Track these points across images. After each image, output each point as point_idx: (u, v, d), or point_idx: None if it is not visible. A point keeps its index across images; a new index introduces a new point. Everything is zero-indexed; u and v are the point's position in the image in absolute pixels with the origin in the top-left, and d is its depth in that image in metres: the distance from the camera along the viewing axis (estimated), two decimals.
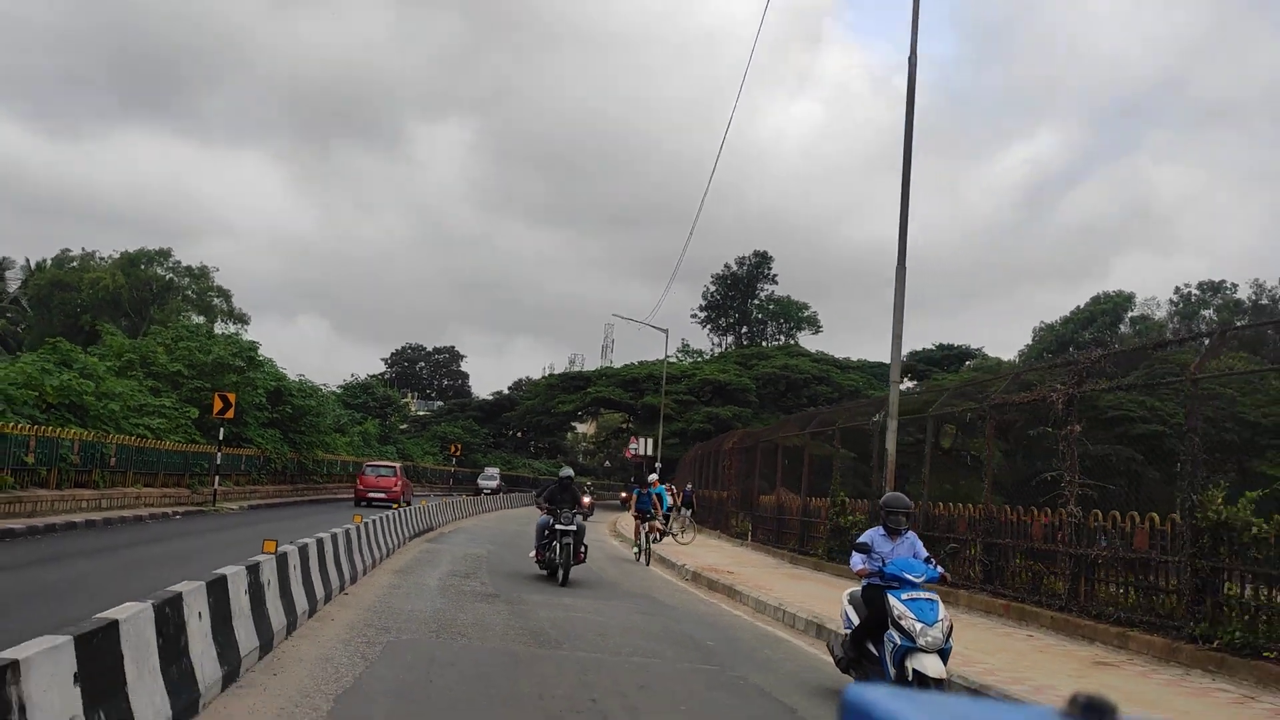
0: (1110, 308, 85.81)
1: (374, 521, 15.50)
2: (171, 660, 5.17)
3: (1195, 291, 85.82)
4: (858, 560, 7.68)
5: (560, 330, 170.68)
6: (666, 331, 46.57)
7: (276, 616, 7.87)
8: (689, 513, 32.42)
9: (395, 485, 34.09)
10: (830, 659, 8.63)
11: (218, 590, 6.38)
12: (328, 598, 10.39)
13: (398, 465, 37.77)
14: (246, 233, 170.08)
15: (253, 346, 33.81)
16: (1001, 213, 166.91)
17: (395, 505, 27.26)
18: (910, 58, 14.72)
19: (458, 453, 57.39)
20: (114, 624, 4.46)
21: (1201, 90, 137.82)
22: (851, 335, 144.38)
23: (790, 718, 7.21)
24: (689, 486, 35.71)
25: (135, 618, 4.72)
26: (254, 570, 7.38)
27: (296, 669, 7.24)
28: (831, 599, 14.30)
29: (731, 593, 15.17)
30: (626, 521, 29.08)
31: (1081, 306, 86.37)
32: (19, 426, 18.40)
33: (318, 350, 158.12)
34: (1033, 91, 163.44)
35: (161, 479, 25.26)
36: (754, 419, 51.00)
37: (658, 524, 21.53)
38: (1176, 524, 9.89)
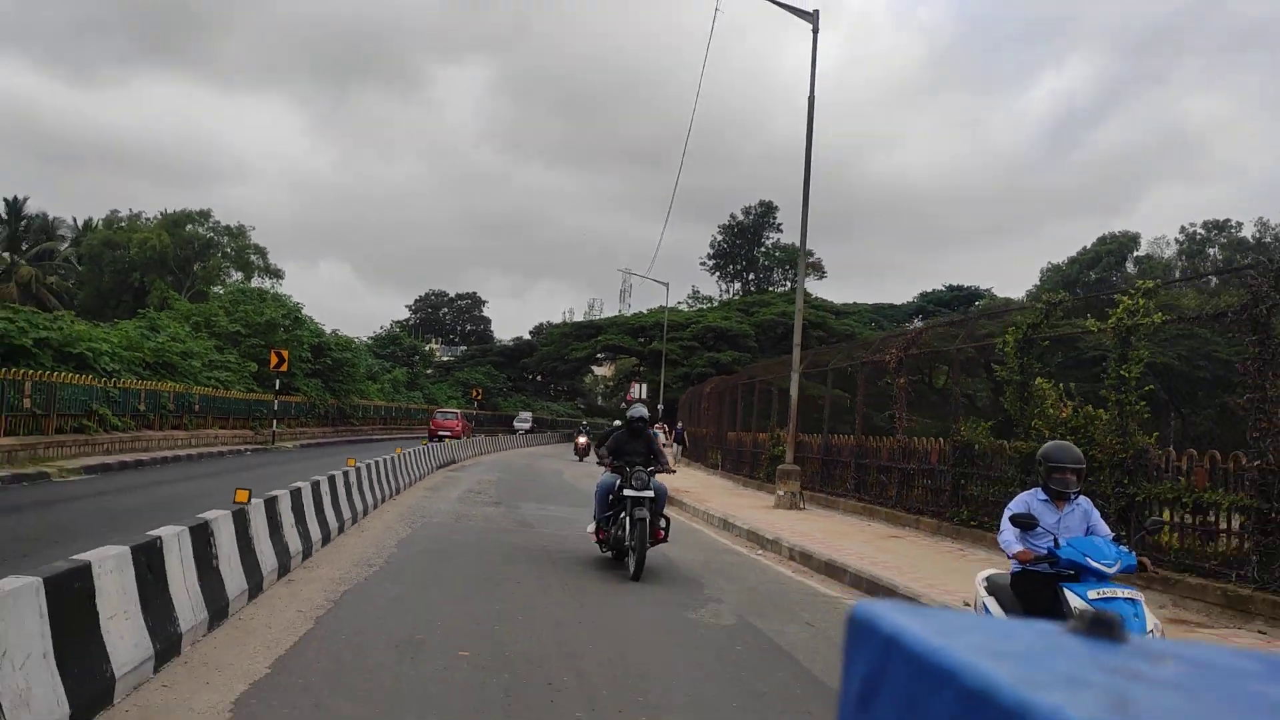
0: (1115, 248, 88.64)
1: (410, 452, 20.92)
2: (278, 532, 10.15)
3: (1200, 230, 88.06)
4: (1012, 538, 5.59)
5: (581, 272, 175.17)
6: (667, 285, 51.95)
7: (358, 505, 13.21)
8: (679, 448, 37.87)
9: (458, 426, 46.30)
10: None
11: (330, 482, 11.66)
12: (382, 500, 15.75)
13: (459, 412, 47.82)
14: (267, 177, 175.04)
15: (297, 308, 39.25)
16: (1027, 146, 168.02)
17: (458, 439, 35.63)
18: (809, 97, 19.44)
19: (479, 397, 63.11)
20: (244, 510, 9.34)
21: (1234, 13, 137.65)
22: (871, 273, 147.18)
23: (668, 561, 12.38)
24: (680, 425, 41.18)
25: (257, 506, 9.72)
26: (334, 479, 12.63)
27: (372, 529, 12.58)
28: (754, 506, 19.52)
29: (680, 506, 20.45)
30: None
31: (1088, 247, 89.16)
32: (134, 382, 23.91)
33: (341, 295, 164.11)
34: (1060, 20, 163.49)
35: (232, 422, 30.90)
36: (752, 363, 56.02)
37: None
38: (944, 447, 14.99)
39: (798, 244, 74.18)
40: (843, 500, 18.88)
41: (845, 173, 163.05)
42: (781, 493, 19.12)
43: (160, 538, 6.02)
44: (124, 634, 5.17)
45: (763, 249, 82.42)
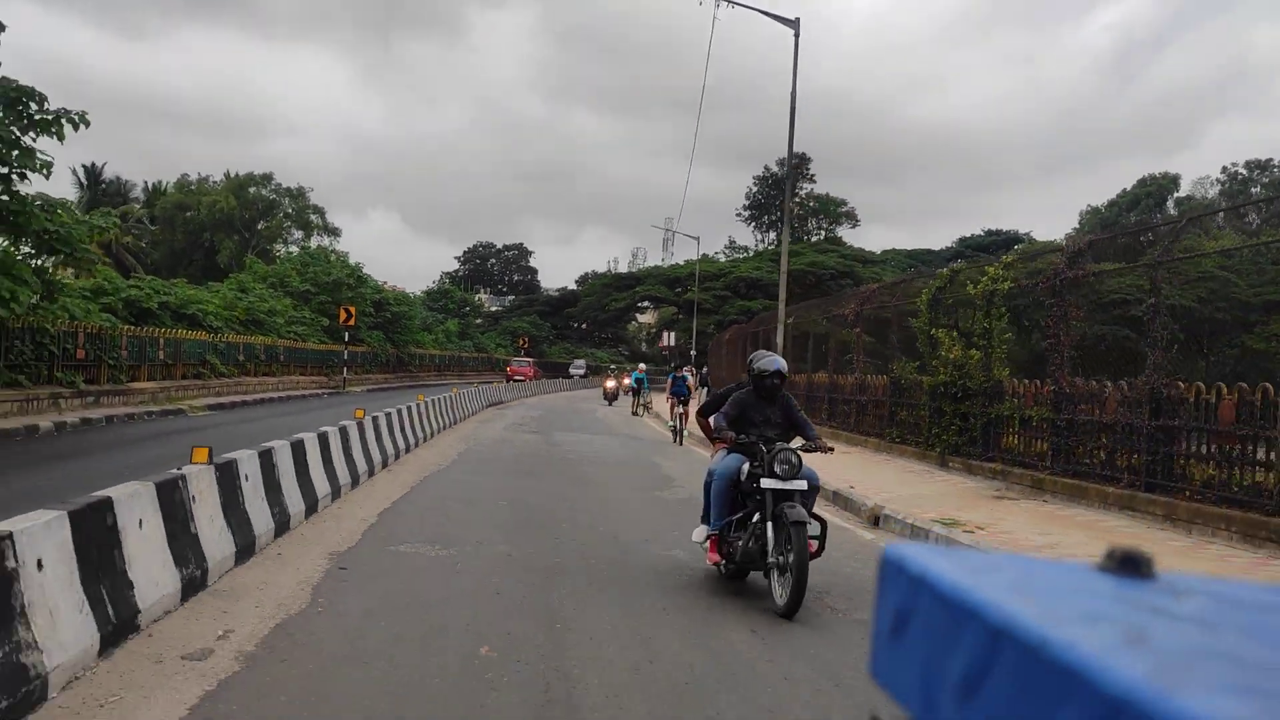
0: (1155, 189, 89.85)
1: (464, 392, 25.50)
2: (362, 449, 14.78)
3: (1242, 171, 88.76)
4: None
5: (627, 218, 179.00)
6: (698, 239, 55.57)
7: (427, 429, 17.77)
8: (704, 390, 42.19)
9: (530, 372, 55.75)
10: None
11: (407, 410, 16.19)
12: (442, 428, 20.32)
13: (531, 360, 54.85)
14: (315, 129, 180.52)
15: (359, 267, 44.04)
16: (1082, 83, 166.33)
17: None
18: (791, 95, 23.22)
19: (525, 345, 67.88)
20: (299, 442, 14.00)
21: None
22: (921, 215, 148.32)
23: (661, 475, 16.70)
24: (705, 369, 45.46)
25: (365, 423, 14.34)
26: (410, 408, 17.12)
27: (438, 446, 17.12)
28: None
29: (674, 432, 24.75)
30: (662, 404, 38.76)
31: (1128, 189, 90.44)
32: (234, 336, 28.80)
33: (391, 245, 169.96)
34: None
35: (309, 369, 35.86)
36: (793, 306, 59.88)
37: (685, 402, 30.21)
38: (885, 382, 19.07)
39: (831, 194, 77.02)
40: (819, 426, 23.02)
41: (893, 115, 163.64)
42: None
43: (273, 448, 10.40)
44: (268, 507, 9.62)
45: (797, 199, 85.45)
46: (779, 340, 23.87)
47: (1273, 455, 9.48)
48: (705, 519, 7.52)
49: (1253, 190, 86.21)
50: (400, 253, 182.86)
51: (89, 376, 19.75)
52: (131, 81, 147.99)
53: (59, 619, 4.35)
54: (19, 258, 16.79)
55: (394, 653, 5.23)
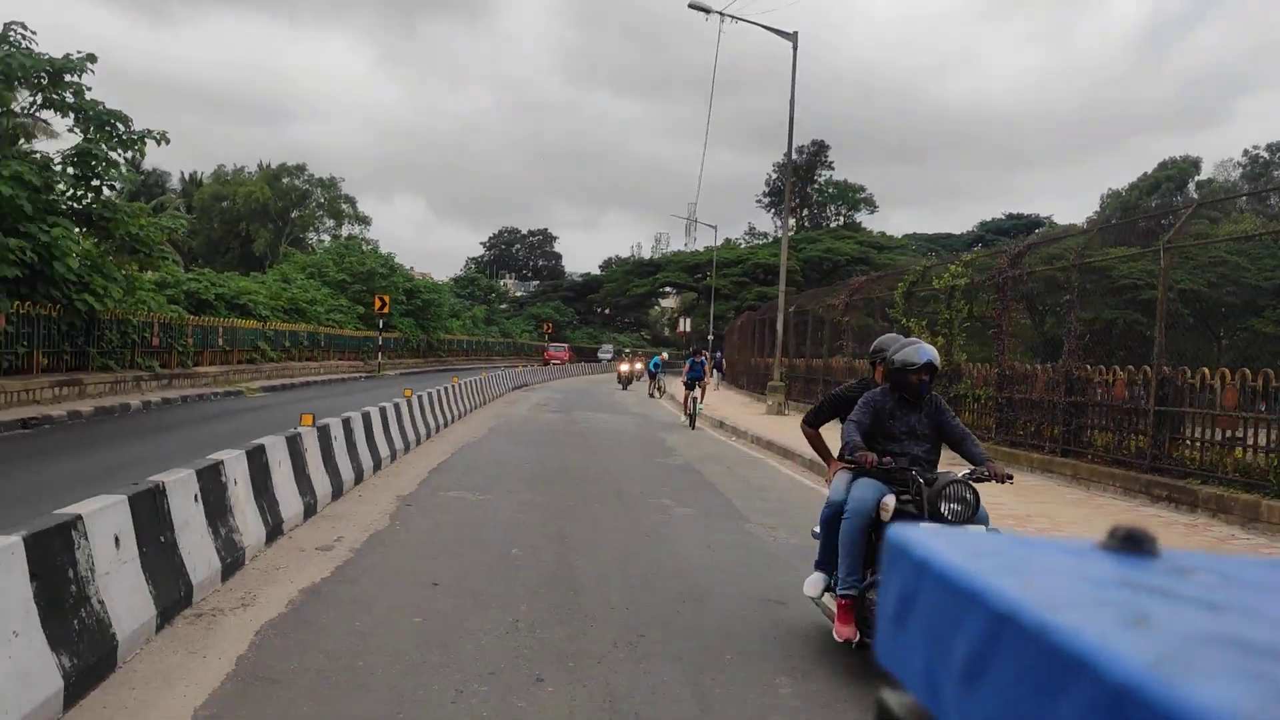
0: (1176, 173, 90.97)
1: (492, 375, 28.09)
2: (411, 422, 17.36)
3: (1264, 154, 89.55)
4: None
5: (652, 202, 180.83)
6: (715, 227, 57.67)
7: (460, 408, 20.35)
8: (718, 375, 44.67)
9: (565, 356, 61.19)
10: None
11: (443, 391, 18.76)
12: (473, 408, 22.89)
13: (566, 345, 57.98)
14: (339, 113, 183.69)
15: (391, 257, 46.74)
16: (1113, 59, 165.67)
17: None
18: (790, 106, 25.46)
19: (549, 330, 70.49)
20: (367, 414, 16.62)
21: None
22: (947, 196, 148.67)
23: (664, 447, 19.16)
24: (719, 354, 47.93)
25: (412, 401, 16.92)
26: (445, 389, 19.67)
27: (471, 422, 19.69)
28: (753, 413, 26.15)
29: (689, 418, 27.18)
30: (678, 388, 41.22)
31: (1149, 172, 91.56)
32: (280, 324, 31.56)
33: (417, 229, 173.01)
34: None
35: (347, 355, 38.62)
36: (797, 295, 62.14)
37: (702, 385, 32.44)
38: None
39: (850, 180, 79.08)
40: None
41: (920, 94, 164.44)
42: (770, 402, 25.77)
43: (351, 417, 12.94)
44: (350, 461, 12.17)
45: (816, 186, 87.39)
46: (779, 328, 26.24)
47: (1145, 424, 11.82)
48: (822, 565, 5.68)
49: (1275, 174, 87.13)
50: (425, 237, 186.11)
51: (162, 361, 22.48)
52: (159, 67, 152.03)
53: (246, 520, 6.91)
54: (109, 257, 19.47)
55: (454, 551, 7.76)
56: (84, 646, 4.16)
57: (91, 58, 18.08)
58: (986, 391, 15.82)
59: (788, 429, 21.12)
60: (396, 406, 14.07)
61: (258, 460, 7.41)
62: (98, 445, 13.59)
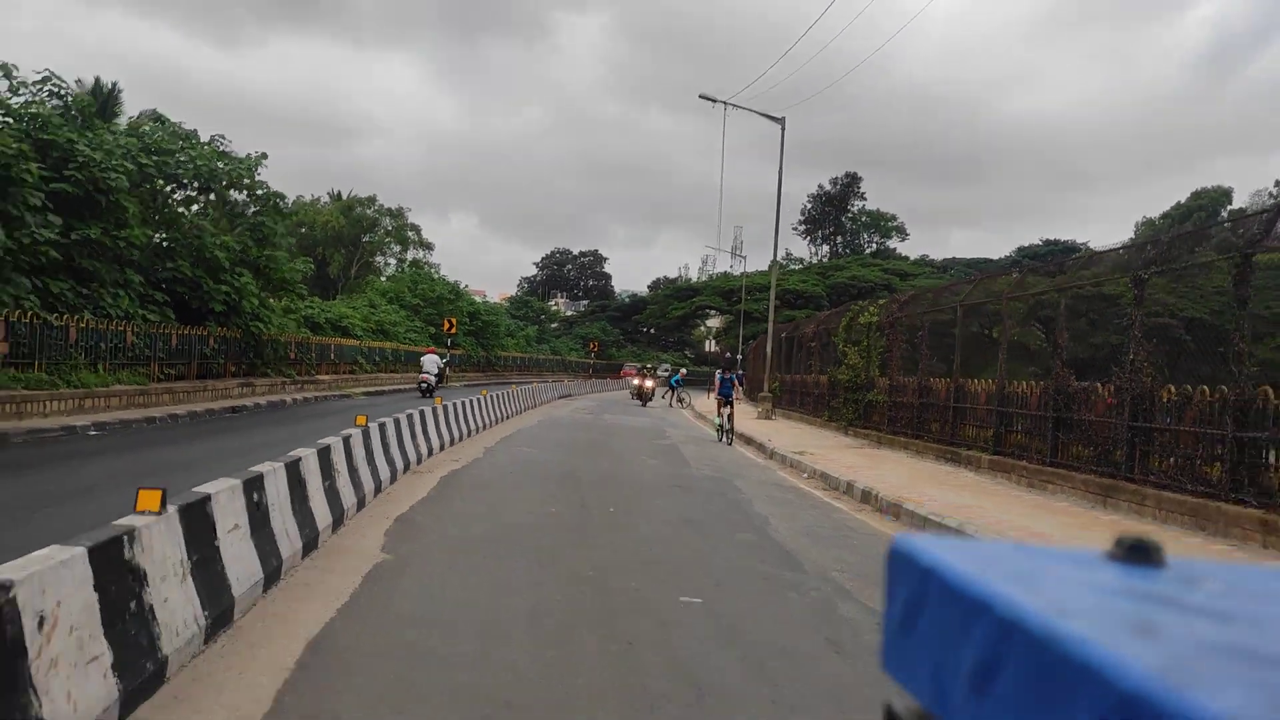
0: (1207, 202, 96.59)
1: (542, 386, 35.89)
2: (484, 412, 25.06)
3: None
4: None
5: (703, 219, 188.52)
6: (744, 257, 64.91)
7: (518, 406, 28.13)
8: (741, 389, 51.87)
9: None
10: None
11: (501, 391, 26.55)
12: (527, 409, 30.65)
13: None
14: (398, 131, 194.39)
15: (457, 285, 54.99)
16: (1176, 80, 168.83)
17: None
18: (778, 185, 32.88)
19: (596, 349, 78.41)
20: (463, 402, 24.34)
21: None
22: (1005, 216, 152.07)
23: (679, 457, 26.62)
24: (740, 372, 55.22)
25: (481, 400, 24.65)
26: (506, 393, 27.38)
27: (526, 416, 27.44)
28: (749, 418, 33.56)
29: (701, 417, 34.60)
30: (704, 403, 48.69)
31: (1181, 202, 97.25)
32: (372, 342, 39.77)
33: (472, 247, 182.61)
34: None
35: (420, 369, 46.69)
36: (786, 324, 69.44)
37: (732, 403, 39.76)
38: (829, 379, 28.72)
39: (883, 209, 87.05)
40: (797, 413, 32.76)
41: (978, 114, 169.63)
42: (760, 409, 33.14)
43: (457, 403, 20.62)
44: (456, 426, 19.87)
45: (849, 215, 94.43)
46: (768, 351, 33.63)
47: (996, 428, 19.06)
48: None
49: None
50: (479, 254, 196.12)
51: (297, 370, 30.59)
52: (226, 88, 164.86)
53: (393, 458, 14.60)
54: (268, 295, 27.64)
55: (518, 468, 15.38)
56: (270, 552, 11.75)
57: (264, 155, 26.25)
58: (881, 398, 23.11)
59: (764, 427, 28.51)
60: (479, 401, 21.82)
61: (373, 433, 15.11)
62: (281, 423, 21.49)
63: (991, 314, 19.10)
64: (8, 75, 19.61)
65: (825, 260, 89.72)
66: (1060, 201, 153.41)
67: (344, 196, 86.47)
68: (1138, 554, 0.68)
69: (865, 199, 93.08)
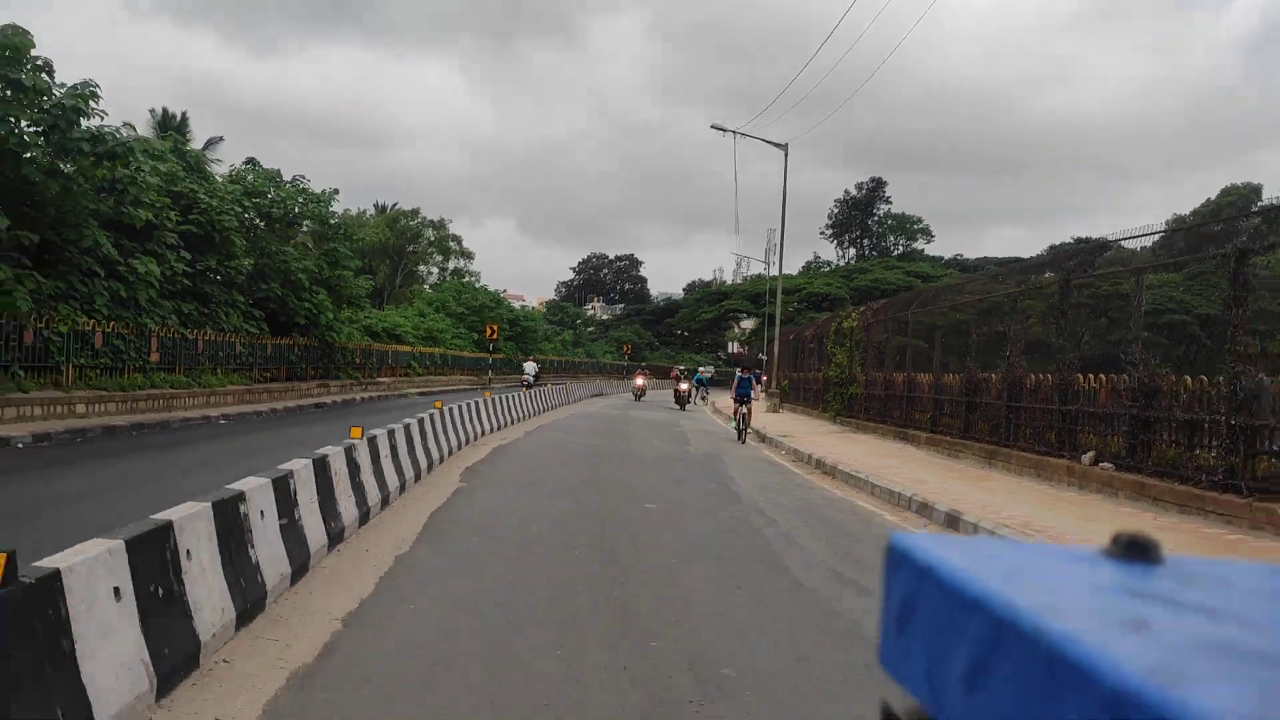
0: (1237, 199, 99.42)
1: (577, 385, 40.86)
2: (527, 404, 30.01)
3: None
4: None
5: (740, 221, 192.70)
6: (766, 264, 69.34)
7: (553, 401, 33.08)
8: (761, 387, 56.46)
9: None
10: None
11: (538, 389, 31.49)
12: (563, 404, 35.58)
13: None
14: (434, 136, 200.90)
15: (498, 294, 60.16)
16: (1223, 71, 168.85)
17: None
18: (781, 211, 37.50)
19: (629, 351, 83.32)
20: (511, 395, 29.27)
21: None
22: (1043, 214, 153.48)
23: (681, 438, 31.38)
24: (758, 372, 59.71)
25: (521, 396, 29.59)
26: (543, 390, 32.27)
27: (561, 412, 32.37)
28: (759, 412, 38.28)
29: (717, 412, 39.27)
30: (725, 401, 53.38)
31: (1212, 199, 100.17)
32: (423, 348, 44.97)
33: (509, 250, 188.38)
34: None
35: (466, 371, 51.94)
36: (793, 329, 73.81)
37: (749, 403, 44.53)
38: (826, 376, 33.33)
39: (908, 213, 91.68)
40: (801, 406, 37.35)
41: (1017, 108, 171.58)
42: (770, 404, 37.78)
43: (457, 406, 25.51)
44: (461, 430, 24.79)
45: (874, 218, 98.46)
46: (775, 353, 38.23)
47: (933, 412, 23.60)
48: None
49: None
50: (517, 257, 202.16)
51: (362, 373, 35.76)
52: (268, 97, 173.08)
53: (408, 465, 19.52)
54: (339, 310, 32.82)
55: (552, 447, 20.23)
56: (403, 475, 16.68)
57: (335, 190, 31.45)
58: (860, 390, 27.70)
59: (767, 418, 33.16)
60: (519, 397, 26.75)
61: (431, 420, 20.03)
62: (358, 414, 26.53)
63: (931, 322, 23.62)
64: (86, 109, 21.22)
65: (851, 263, 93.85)
66: (1101, 197, 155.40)
67: (388, 209, 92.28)
68: (1134, 551, 0.69)
69: (890, 202, 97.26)
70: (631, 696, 5.20)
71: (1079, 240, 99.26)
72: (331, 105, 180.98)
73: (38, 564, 3.90)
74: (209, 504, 5.75)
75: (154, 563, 4.76)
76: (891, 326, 25.98)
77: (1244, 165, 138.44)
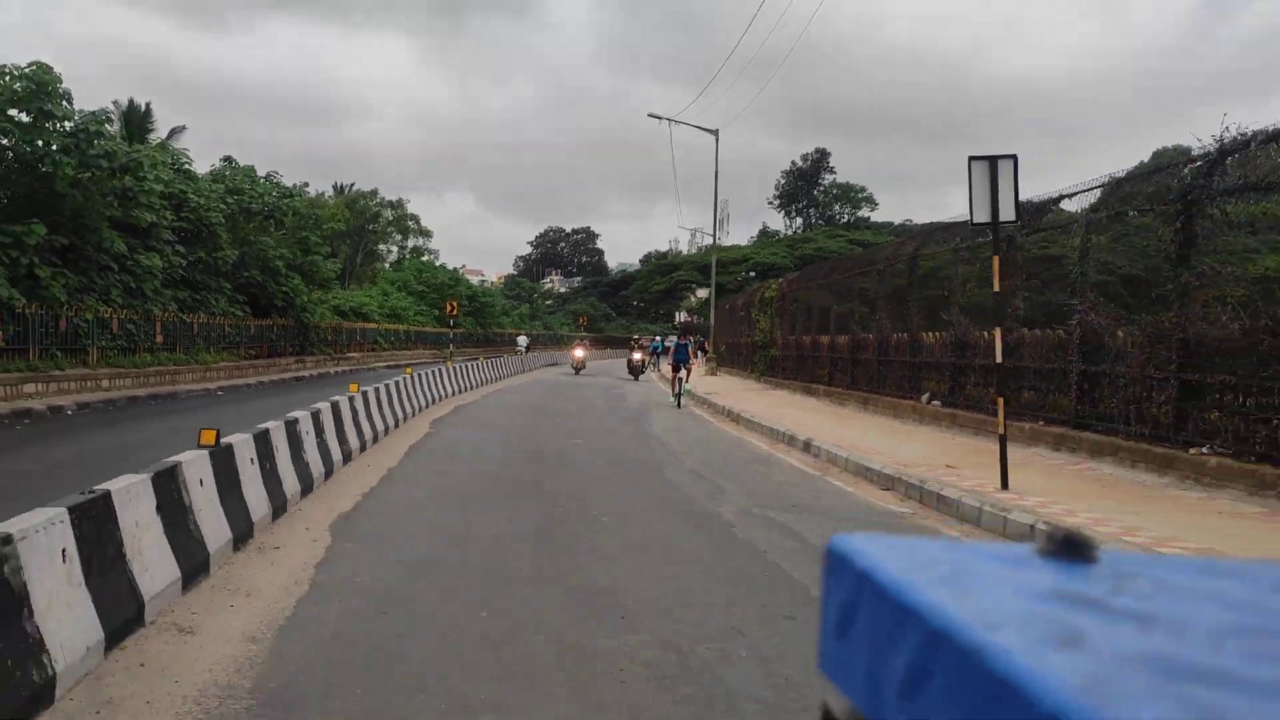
0: (1165, 162, 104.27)
1: (535, 355, 44.68)
2: (481, 372, 33.82)
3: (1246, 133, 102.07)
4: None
5: (696, 191, 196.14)
6: (714, 236, 73.03)
7: (510, 369, 36.89)
8: (703, 355, 60.53)
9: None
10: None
11: (495, 360, 35.31)
12: (520, 372, 39.37)
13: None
14: (389, 111, 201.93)
15: (457, 271, 63.60)
16: (1169, 27, 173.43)
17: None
18: (714, 194, 41.34)
19: (585, 323, 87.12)
20: (468, 364, 33.08)
21: None
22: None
23: (619, 393, 35.33)
24: (701, 338, 63.73)
25: (475, 365, 33.37)
26: (501, 360, 36.06)
27: (514, 381, 36.21)
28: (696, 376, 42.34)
29: (663, 377, 43.27)
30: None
31: (1145, 160, 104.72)
32: (387, 325, 48.50)
33: (468, 225, 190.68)
34: None
35: (427, 346, 55.52)
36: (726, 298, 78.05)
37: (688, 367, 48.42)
38: (752, 340, 37.45)
39: (852, 182, 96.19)
40: (736, 369, 41.45)
41: (968, 71, 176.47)
42: (707, 369, 41.86)
43: (463, 364, 29.28)
44: (428, 393, 28.59)
45: (820, 189, 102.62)
46: (711, 322, 42.28)
47: (829, 369, 27.72)
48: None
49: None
50: (476, 231, 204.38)
51: (334, 349, 39.29)
52: (213, 74, 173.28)
53: (413, 400, 23.34)
54: (312, 291, 36.27)
55: (503, 404, 24.09)
56: (344, 443, 20.50)
57: (305, 184, 34.72)
58: (778, 353, 31.79)
59: (702, 381, 37.19)
60: (479, 364, 30.53)
61: (392, 387, 23.84)
62: (326, 387, 30.13)
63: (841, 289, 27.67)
64: (61, 98, 21.73)
65: (798, 233, 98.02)
66: (1053, 157, 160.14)
67: (346, 190, 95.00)
68: (1070, 549, 0.70)
69: (835, 172, 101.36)
70: (540, 521, 9.14)
71: (1024, 203, 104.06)
72: (283, 82, 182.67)
73: (178, 455, 7.69)
74: (281, 422, 9.58)
75: (229, 467, 8.35)
76: (802, 295, 30.04)
77: (1195, 120, 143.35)
